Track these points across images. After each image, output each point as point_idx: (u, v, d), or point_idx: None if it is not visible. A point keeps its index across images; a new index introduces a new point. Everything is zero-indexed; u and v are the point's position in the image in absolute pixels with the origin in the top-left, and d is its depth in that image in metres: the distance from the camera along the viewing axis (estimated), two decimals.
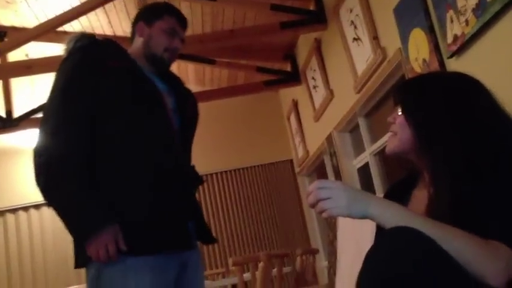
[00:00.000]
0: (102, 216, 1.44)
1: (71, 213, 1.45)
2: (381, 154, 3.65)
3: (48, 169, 1.46)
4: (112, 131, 1.53)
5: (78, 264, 1.52)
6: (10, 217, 5.37)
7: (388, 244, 0.93)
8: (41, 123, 1.53)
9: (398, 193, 1.29)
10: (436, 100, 1.16)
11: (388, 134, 1.25)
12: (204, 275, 4.87)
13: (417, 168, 1.23)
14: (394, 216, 1.01)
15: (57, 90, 1.56)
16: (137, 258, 1.45)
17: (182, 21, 1.77)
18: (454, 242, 0.94)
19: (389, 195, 1.33)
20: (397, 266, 0.89)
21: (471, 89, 1.17)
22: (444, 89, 1.18)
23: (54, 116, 1.53)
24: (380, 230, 1.14)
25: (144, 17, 1.75)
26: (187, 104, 1.75)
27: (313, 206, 1.05)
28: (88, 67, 1.56)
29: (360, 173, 4.09)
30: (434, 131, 1.13)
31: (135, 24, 1.77)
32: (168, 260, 1.51)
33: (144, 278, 1.44)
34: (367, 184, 3.92)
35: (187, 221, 1.59)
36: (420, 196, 1.20)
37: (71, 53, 1.61)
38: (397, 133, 1.21)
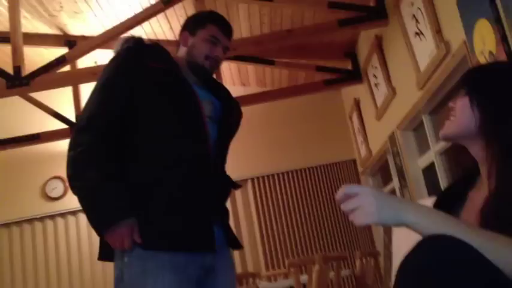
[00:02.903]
0: (119, 209, 1.47)
1: (90, 206, 1.50)
2: (447, 153, 3.48)
3: (74, 162, 1.52)
4: (145, 129, 1.56)
5: (101, 257, 1.57)
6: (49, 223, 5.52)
7: (423, 253, 0.85)
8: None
9: (453, 194, 1.21)
10: (508, 83, 1.09)
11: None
12: (261, 275, 4.91)
13: (476, 162, 1.15)
14: (432, 223, 0.92)
15: (96, 87, 1.61)
16: (157, 258, 1.47)
17: (225, 29, 1.76)
18: (502, 252, 0.85)
19: (444, 197, 1.25)
20: (432, 276, 0.81)
21: None
22: None
23: (87, 111, 1.58)
24: None
25: (188, 27, 1.77)
26: (230, 115, 1.76)
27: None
28: (129, 67, 1.60)
29: (425, 173, 3.92)
30: (506, 110, 1.05)
31: (180, 33, 1.79)
32: (189, 260, 1.51)
33: (164, 277, 1.45)
34: (433, 184, 3.76)
35: (212, 224, 1.57)
36: (475, 197, 1.12)
37: (117, 54, 1.66)
38: (455, 116, 1.14)
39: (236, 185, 1.76)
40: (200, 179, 1.56)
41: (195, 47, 1.71)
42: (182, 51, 1.75)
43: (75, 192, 1.51)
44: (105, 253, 1.54)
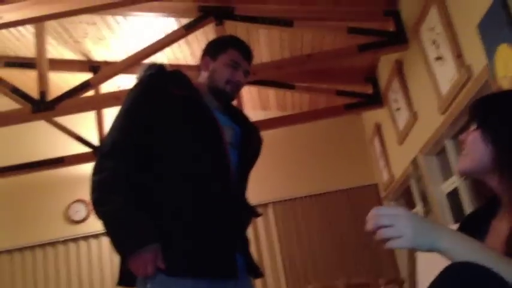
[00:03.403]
0: (143, 235, 1.47)
1: (115, 230, 1.49)
2: (472, 178, 3.41)
3: (99, 187, 1.52)
4: (167, 157, 1.57)
5: (121, 282, 1.55)
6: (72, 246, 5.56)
7: (451, 280, 0.84)
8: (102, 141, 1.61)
9: (475, 223, 1.18)
10: None
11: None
12: None
13: (495, 193, 1.12)
14: (466, 251, 0.90)
15: (120, 113, 1.64)
16: (179, 284, 1.46)
17: (246, 54, 1.77)
18: None
19: (466, 226, 1.22)
20: None
21: None
22: None
23: (111, 137, 1.60)
24: None
25: (209, 52, 1.79)
26: (250, 141, 1.75)
27: (373, 233, 0.94)
28: (151, 93, 1.62)
29: (449, 199, 3.84)
30: None
31: (201, 58, 1.81)
32: (211, 287, 1.49)
33: None
34: (457, 210, 3.67)
35: (234, 251, 1.57)
36: (499, 227, 1.09)
37: (140, 80, 1.69)
38: (468, 151, 1.11)
39: (257, 214, 1.75)
40: (222, 205, 1.56)
41: (216, 71, 1.73)
42: (204, 76, 1.77)
43: (99, 216, 1.51)
44: (126, 278, 1.54)
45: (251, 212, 1.74)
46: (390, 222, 0.92)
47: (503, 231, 1.05)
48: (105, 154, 1.57)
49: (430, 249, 0.93)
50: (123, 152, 1.55)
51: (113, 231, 1.49)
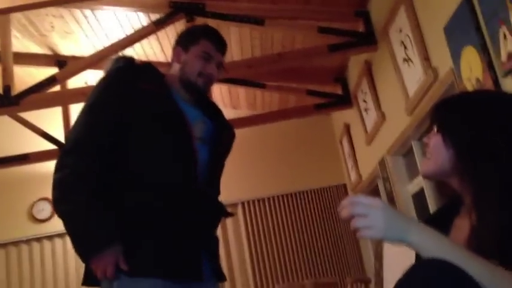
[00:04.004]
0: (104, 236, 1.43)
1: (75, 231, 1.46)
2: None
3: (60, 185, 1.48)
4: (133, 153, 1.53)
5: (86, 282, 1.51)
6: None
7: (419, 276, 0.85)
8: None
9: (438, 222, 1.19)
10: (479, 116, 1.07)
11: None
12: None
13: (458, 193, 1.14)
14: (435, 246, 0.91)
15: (85, 108, 1.58)
16: (144, 284, 1.43)
17: (219, 45, 1.71)
18: (496, 282, 0.85)
19: (429, 224, 1.24)
20: None
21: None
22: (487, 105, 1.09)
23: (74, 133, 1.55)
24: (418, 259, 1.05)
25: (181, 42, 1.73)
26: (222, 137, 1.71)
27: (347, 221, 0.96)
28: (118, 87, 1.57)
29: (415, 199, 3.91)
30: (477, 149, 1.04)
31: (173, 49, 1.74)
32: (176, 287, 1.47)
33: None
34: (422, 210, 3.74)
35: (200, 252, 1.54)
36: (461, 225, 1.11)
37: (107, 74, 1.62)
38: (431, 155, 1.13)
39: (227, 214, 1.71)
40: (188, 203, 1.52)
41: (188, 64, 1.67)
42: (175, 68, 1.70)
43: (60, 215, 1.47)
44: (91, 278, 1.49)
45: (221, 212, 1.69)
46: (364, 212, 0.93)
47: (465, 229, 1.07)
48: (67, 151, 1.52)
49: (399, 242, 0.94)
50: (86, 149, 1.49)
51: (72, 232, 1.46)
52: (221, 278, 1.66)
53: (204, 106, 1.72)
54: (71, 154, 1.50)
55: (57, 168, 1.50)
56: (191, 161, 1.56)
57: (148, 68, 1.68)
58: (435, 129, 1.14)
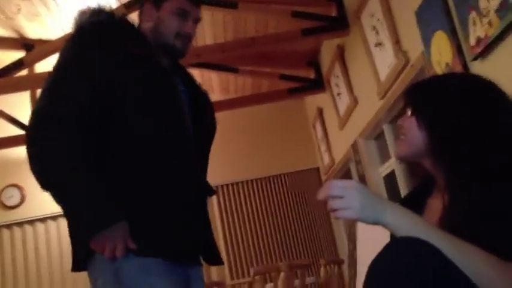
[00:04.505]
0: (112, 211, 1.25)
1: (74, 206, 1.26)
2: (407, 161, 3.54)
3: (43, 156, 1.28)
4: (122, 124, 1.34)
5: (77, 267, 1.35)
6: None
7: (393, 252, 0.87)
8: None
9: (412, 202, 1.23)
10: (452, 99, 1.10)
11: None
12: (226, 284, 4.86)
13: (431, 174, 1.17)
14: (409, 226, 0.94)
15: (58, 68, 1.34)
16: (156, 261, 1.29)
17: None
18: (469, 261, 0.88)
19: (403, 205, 1.27)
20: (400, 280, 0.83)
21: (490, 89, 1.11)
22: (459, 88, 1.12)
23: (54, 97, 1.31)
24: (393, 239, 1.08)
25: None
26: (205, 109, 1.54)
27: (323, 203, 0.99)
28: (101, 44, 1.33)
29: (386, 181, 3.99)
30: (450, 130, 1.07)
31: (141, 6, 1.50)
32: (178, 270, 1.37)
33: (166, 280, 1.30)
34: (393, 192, 3.82)
35: (200, 234, 1.43)
36: (434, 205, 1.14)
37: (83, 28, 1.37)
38: (405, 136, 1.15)
39: (212, 191, 1.54)
40: (187, 181, 1.39)
41: (162, 23, 1.44)
42: (145, 28, 1.46)
43: (49, 190, 1.27)
44: (82, 262, 1.33)
45: (209, 190, 1.53)
46: (340, 193, 0.96)
47: (438, 209, 1.10)
48: (44, 119, 1.28)
49: (375, 222, 0.96)
50: (70, 115, 1.27)
51: (71, 208, 1.26)
52: (218, 261, 1.53)
53: (179, 73, 1.53)
54: (51, 122, 1.27)
55: (34, 141, 1.30)
56: (186, 137, 1.42)
57: (134, 28, 1.46)
58: (409, 112, 1.16)
